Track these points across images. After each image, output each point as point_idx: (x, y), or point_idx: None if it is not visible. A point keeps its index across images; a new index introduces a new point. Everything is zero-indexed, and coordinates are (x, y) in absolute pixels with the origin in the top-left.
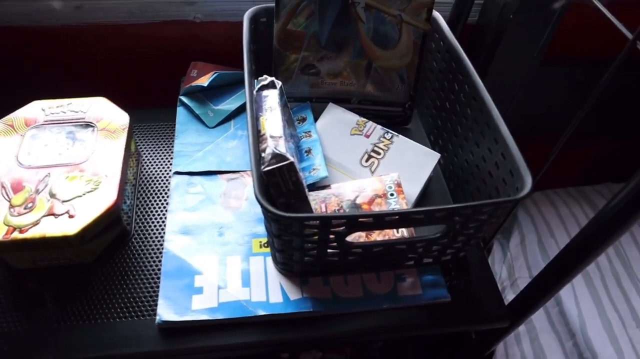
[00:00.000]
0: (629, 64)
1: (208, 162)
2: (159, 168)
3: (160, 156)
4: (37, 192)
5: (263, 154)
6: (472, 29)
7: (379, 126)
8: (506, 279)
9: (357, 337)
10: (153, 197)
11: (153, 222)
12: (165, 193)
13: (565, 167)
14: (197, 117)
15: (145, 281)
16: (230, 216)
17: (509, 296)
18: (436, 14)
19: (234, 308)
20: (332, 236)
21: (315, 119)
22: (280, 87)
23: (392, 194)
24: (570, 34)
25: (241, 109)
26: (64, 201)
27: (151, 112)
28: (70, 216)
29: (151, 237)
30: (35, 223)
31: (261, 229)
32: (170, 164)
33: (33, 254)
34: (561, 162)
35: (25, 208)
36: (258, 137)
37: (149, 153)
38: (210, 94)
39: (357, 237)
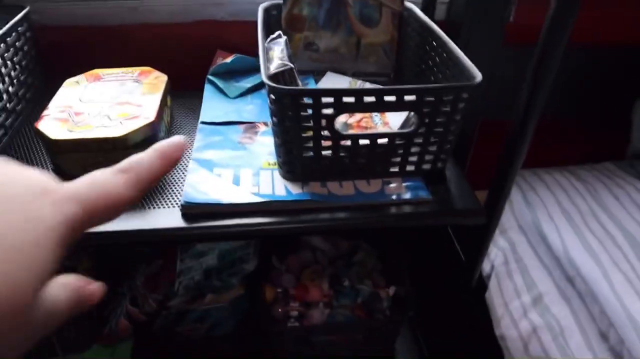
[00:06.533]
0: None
1: (229, 115)
2: (188, 123)
3: (189, 120)
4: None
5: (270, 65)
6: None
7: (367, 82)
8: None
9: (349, 225)
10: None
11: None
12: (192, 137)
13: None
14: (221, 92)
15: (171, 182)
16: (244, 149)
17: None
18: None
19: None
20: (323, 120)
21: None
22: (285, 40)
23: (376, 115)
24: None
25: (257, 87)
26: (113, 119)
27: (182, 93)
28: (119, 124)
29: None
30: (90, 129)
31: (269, 157)
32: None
33: (84, 157)
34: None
35: (83, 124)
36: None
37: (179, 117)
38: (232, 75)
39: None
